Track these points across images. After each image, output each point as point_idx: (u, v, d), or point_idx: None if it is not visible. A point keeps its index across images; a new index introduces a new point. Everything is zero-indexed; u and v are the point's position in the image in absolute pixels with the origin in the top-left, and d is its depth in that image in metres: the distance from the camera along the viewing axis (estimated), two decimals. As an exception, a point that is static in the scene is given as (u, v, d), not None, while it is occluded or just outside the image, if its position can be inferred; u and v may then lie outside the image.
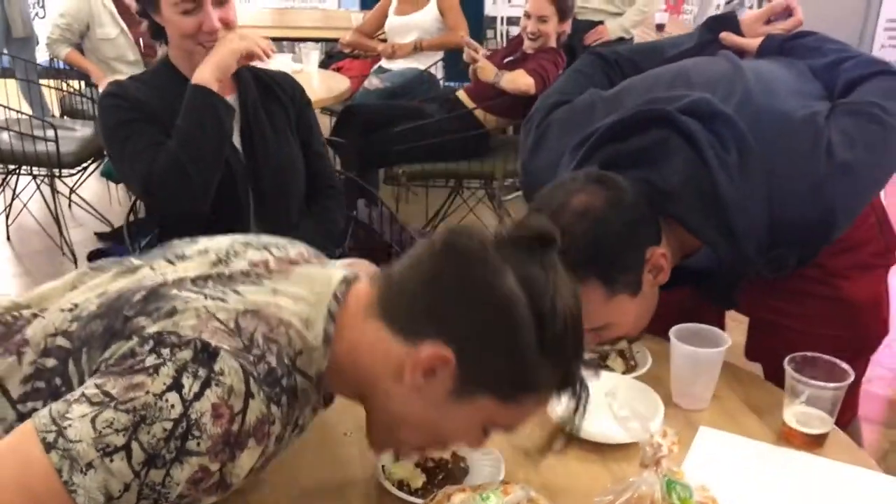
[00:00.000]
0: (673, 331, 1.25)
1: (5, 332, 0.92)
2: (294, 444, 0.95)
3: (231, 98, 1.77)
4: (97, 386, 0.78)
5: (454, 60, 4.28)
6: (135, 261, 1.00)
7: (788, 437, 1.17)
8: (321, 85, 3.48)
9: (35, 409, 0.82)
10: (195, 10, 1.67)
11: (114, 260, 1.02)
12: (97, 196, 4.24)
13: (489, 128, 3.41)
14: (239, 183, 1.78)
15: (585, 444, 1.14)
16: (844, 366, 1.16)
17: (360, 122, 3.39)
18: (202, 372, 0.77)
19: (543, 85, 3.19)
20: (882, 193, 1.46)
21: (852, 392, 1.57)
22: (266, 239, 1.02)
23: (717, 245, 1.24)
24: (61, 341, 0.87)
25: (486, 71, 3.33)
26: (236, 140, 1.78)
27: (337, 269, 0.96)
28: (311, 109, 1.96)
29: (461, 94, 3.54)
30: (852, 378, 1.14)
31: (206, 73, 1.68)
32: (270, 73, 1.90)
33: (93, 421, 0.75)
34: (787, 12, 1.54)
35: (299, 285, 0.91)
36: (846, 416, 1.56)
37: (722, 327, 1.65)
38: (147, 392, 0.76)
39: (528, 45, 3.45)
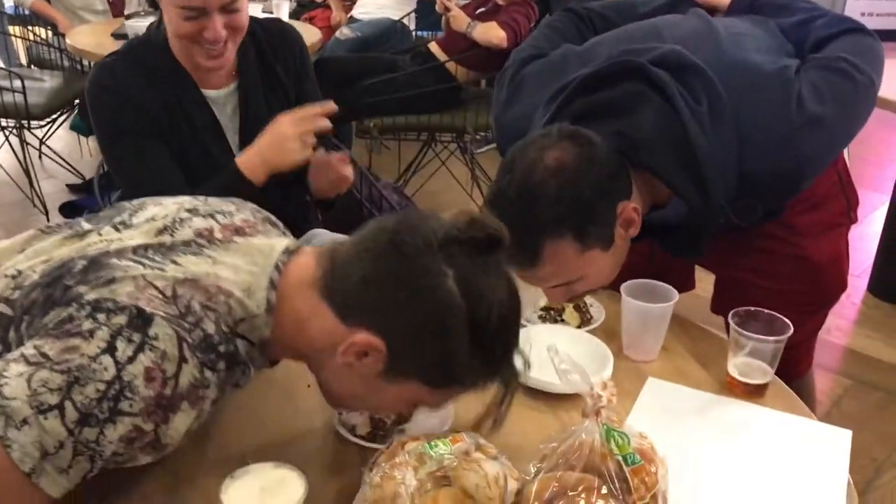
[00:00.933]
0: (624, 287, 1.29)
1: None
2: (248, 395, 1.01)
3: (231, 87, 1.64)
4: (35, 347, 0.81)
5: (427, 11, 4.25)
6: (85, 224, 1.02)
7: (731, 388, 1.23)
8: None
9: None
10: (198, 17, 1.48)
11: (67, 222, 1.04)
12: (68, 148, 4.21)
13: (461, 81, 3.41)
14: None
15: (536, 393, 1.20)
16: (785, 320, 1.21)
17: (332, 75, 3.37)
18: (136, 337, 0.80)
19: (515, 38, 3.19)
20: (845, 153, 1.50)
21: (808, 345, 1.63)
22: (214, 203, 1.05)
23: (687, 194, 1.26)
24: (3, 308, 0.89)
25: (459, 20, 3.32)
26: (234, 139, 1.66)
27: (279, 239, 1.00)
28: (311, 75, 1.79)
29: (433, 47, 3.53)
30: (791, 331, 1.20)
31: (260, 172, 1.54)
32: (273, 47, 1.69)
33: (28, 380, 0.78)
34: None
35: (241, 255, 0.95)
36: (801, 366, 1.63)
37: (692, 281, 1.71)
38: (82, 354, 0.79)
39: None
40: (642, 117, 1.26)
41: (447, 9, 3.36)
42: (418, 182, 3.80)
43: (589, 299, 1.43)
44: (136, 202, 1.06)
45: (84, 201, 3.64)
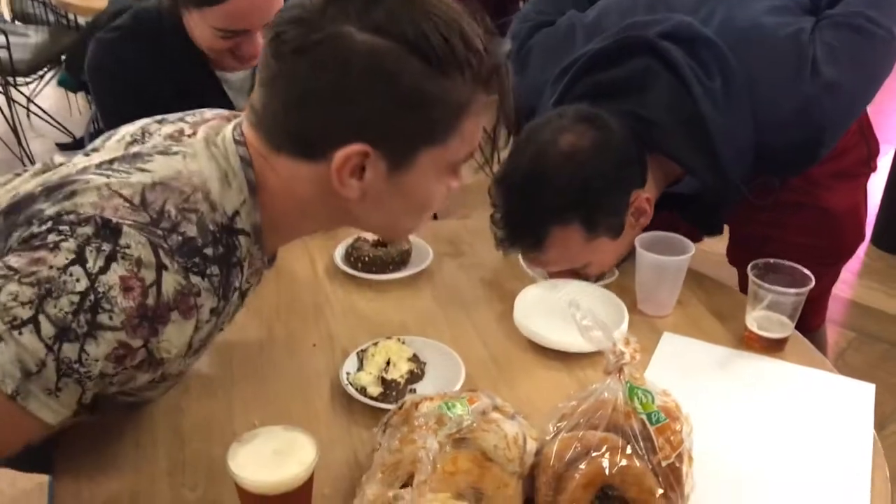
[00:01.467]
0: (638, 239, 1.25)
1: None
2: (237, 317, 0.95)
3: (249, 70, 1.51)
4: (2, 262, 0.75)
5: None
6: (58, 158, 0.95)
7: (749, 342, 1.20)
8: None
9: None
10: (236, 36, 1.36)
11: (44, 161, 0.97)
12: (56, 105, 4.12)
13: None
14: None
15: (550, 353, 1.16)
16: (806, 271, 1.17)
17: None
18: (106, 246, 0.74)
19: None
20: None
21: (823, 299, 1.60)
22: (188, 112, 0.97)
23: (702, 174, 1.23)
24: None
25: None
26: None
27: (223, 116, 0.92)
28: None
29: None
30: (813, 283, 1.16)
31: None
32: None
33: None
34: None
35: (205, 144, 0.87)
36: (816, 321, 1.60)
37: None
38: (50, 266, 0.73)
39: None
40: (653, 96, 1.22)
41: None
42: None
43: None
44: (111, 131, 0.98)
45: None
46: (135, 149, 0.88)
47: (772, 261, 1.19)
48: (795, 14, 1.29)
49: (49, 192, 0.80)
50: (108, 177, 0.81)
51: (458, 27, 0.80)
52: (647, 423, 0.85)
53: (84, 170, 0.83)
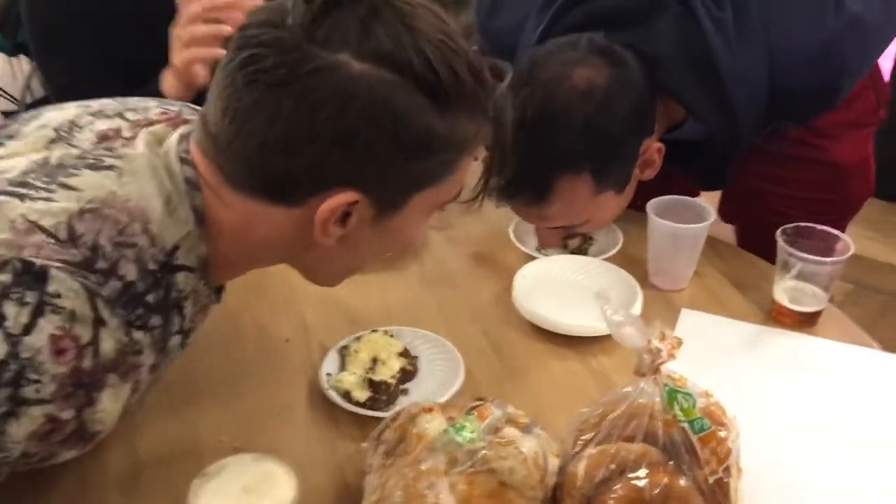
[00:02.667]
0: (650, 205, 1.11)
1: None
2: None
3: None
4: None
5: None
6: None
7: (779, 316, 1.07)
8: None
9: None
10: None
11: None
12: (-3, 71, 3.87)
13: None
14: None
15: (558, 338, 1.02)
16: (844, 237, 1.04)
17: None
18: (30, 297, 0.58)
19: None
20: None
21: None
22: (131, 101, 0.80)
23: (711, 119, 1.11)
24: None
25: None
26: None
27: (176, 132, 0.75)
28: None
29: None
30: (852, 250, 1.03)
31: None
32: None
33: None
34: None
35: (147, 156, 0.70)
36: None
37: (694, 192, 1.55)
38: None
39: None
40: (658, 29, 1.09)
41: None
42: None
43: None
44: (34, 111, 0.80)
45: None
46: (57, 152, 0.70)
47: (802, 225, 1.06)
48: None
49: None
50: (22, 199, 0.64)
51: (464, 54, 0.68)
52: (689, 432, 0.72)
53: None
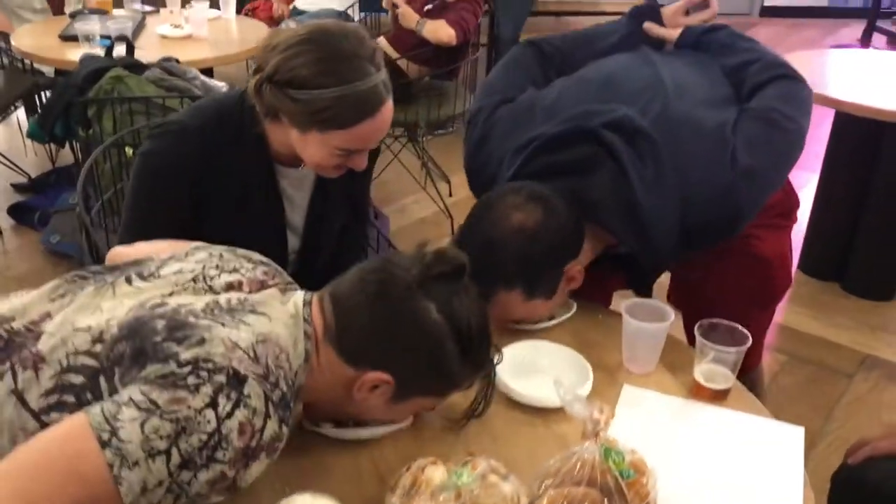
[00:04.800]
0: (624, 306, 1.42)
1: (4, 346, 1.02)
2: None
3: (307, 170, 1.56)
4: (143, 394, 0.90)
5: (371, 4, 4.30)
6: (107, 277, 1.11)
7: (698, 392, 1.38)
8: (240, 35, 3.46)
9: (60, 420, 0.93)
10: (349, 153, 1.42)
11: (80, 274, 1.13)
12: (9, 146, 4.14)
13: (412, 76, 3.49)
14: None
15: (530, 409, 1.32)
16: (744, 330, 1.36)
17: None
18: (234, 395, 0.91)
19: (464, 35, 3.29)
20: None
21: (758, 340, 1.80)
22: (228, 259, 1.15)
23: (634, 247, 1.43)
24: (86, 360, 0.98)
25: (408, 18, 3.39)
26: (299, 219, 1.62)
27: (297, 292, 1.14)
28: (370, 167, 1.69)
29: (382, 42, 3.59)
30: (750, 342, 1.34)
31: None
32: None
33: (142, 426, 0.88)
34: (704, 3, 1.70)
35: (279, 310, 1.07)
36: (753, 360, 1.80)
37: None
38: (189, 406, 0.89)
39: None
40: (596, 179, 1.42)
41: (395, 6, 3.42)
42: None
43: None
44: (159, 259, 1.15)
45: (34, 201, 3.61)
46: (219, 299, 1.05)
47: (714, 321, 1.37)
48: (722, 107, 1.50)
49: (170, 329, 0.96)
50: (222, 325, 0.97)
51: (488, 333, 1.14)
52: (619, 478, 1.02)
53: (192, 312, 1.00)
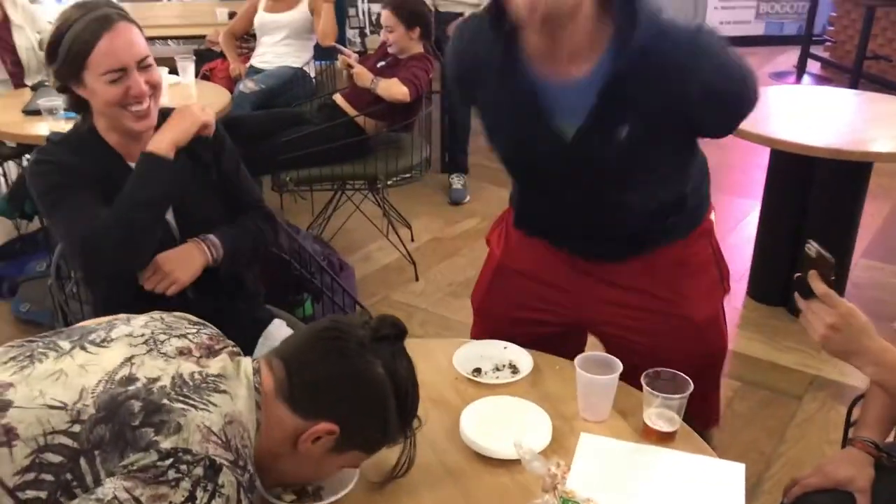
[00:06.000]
0: (577, 360, 1.54)
1: None
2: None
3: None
4: (126, 490, 0.98)
5: (325, 53, 4.44)
6: (62, 343, 1.17)
7: (647, 435, 1.50)
8: (201, 99, 3.57)
9: (38, 498, 0.99)
10: (121, 78, 1.71)
11: (32, 340, 1.19)
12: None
13: (369, 132, 3.62)
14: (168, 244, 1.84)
15: (494, 461, 1.44)
16: (685, 377, 1.49)
17: (244, 133, 3.51)
18: (210, 486, 1.01)
19: (417, 92, 3.43)
20: (716, 229, 1.80)
21: (712, 402, 1.90)
22: (172, 324, 1.25)
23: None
24: (65, 440, 1.03)
25: (363, 77, 3.53)
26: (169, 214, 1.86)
27: (244, 360, 1.24)
28: (230, 148, 1.96)
29: (339, 100, 3.72)
30: (692, 388, 1.48)
31: (165, 143, 1.75)
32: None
33: None
34: None
35: (238, 385, 1.17)
36: (711, 420, 1.89)
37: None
38: (169, 502, 0.98)
39: (392, 52, 3.67)
40: None
41: (350, 66, 3.56)
42: (334, 225, 3.99)
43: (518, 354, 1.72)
44: (101, 322, 1.25)
45: (1, 270, 3.65)
46: (184, 374, 1.13)
47: (659, 370, 1.51)
48: None
49: (146, 412, 1.04)
50: (195, 409, 1.06)
51: (418, 396, 1.27)
52: (577, 526, 1.14)
53: (163, 391, 1.08)
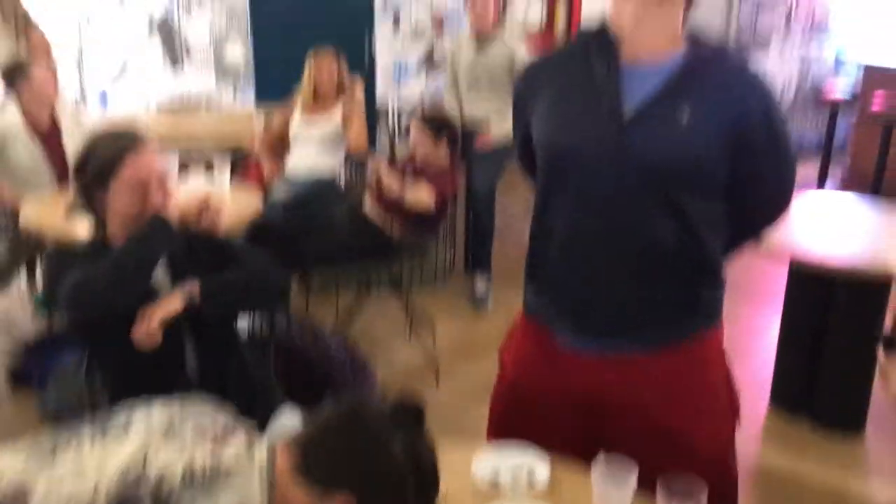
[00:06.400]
0: (595, 467, 1.55)
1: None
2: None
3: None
4: None
5: (355, 161, 4.61)
6: (83, 434, 1.25)
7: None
8: (234, 202, 3.71)
9: None
10: (143, 191, 1.95)
11: (59, 432, 1.26)
12: (8, 308, 4.28)
13: (395, 236, 3.73)
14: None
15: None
16: (701, 481, 1.50)
17: (273, 238, 3.63)
18: None
19: (443, 201, 3.55)
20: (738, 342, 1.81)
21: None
22: (191, 410, 1.31)
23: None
24: None
25: (391, 185, 3.66)
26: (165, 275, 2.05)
27: (258, 445, 1.27)
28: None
29: (368, 205, 3.84)
30: (706, 491, 1.48)
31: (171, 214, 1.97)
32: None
33: None
34: None
35: (244, 472, 1.21)
36: None
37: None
38: None
39: (420, 161, 3.82)
40: None
41: (379, 173, 3.70)
42: (358, 326, 4.05)
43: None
44: (124, 409, 1.31)
45: (32, 364, 3.72)
46: (195, 465, 1.19)
47: (674, 475, 1.52)
48: None
49: None
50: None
51: (439, 478, 1.29)
52: None
53: (171, 487, 1.15)
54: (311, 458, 1.22)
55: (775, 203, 1.71)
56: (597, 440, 1.79)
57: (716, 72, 1.56)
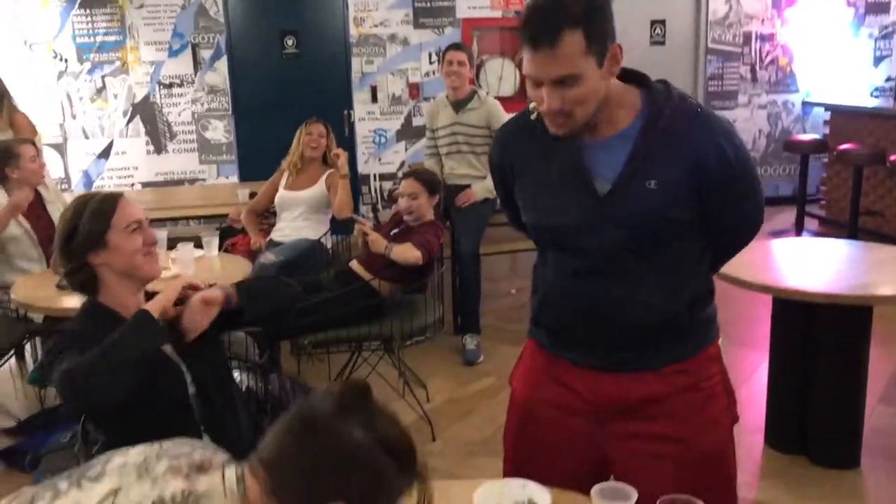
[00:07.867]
0: (594, 490, 1.57)
1: None
2: None
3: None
4: None
5: (341, 227, 4.68)
6: (60, 484, 1.27)
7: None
8: (224, 270, 3.75)
9: None
10: (139, 228, 2.05)
11: (41, 485, 1.29)
12: (-1, 390, 4.27)
13: (384, 294, 3.77)
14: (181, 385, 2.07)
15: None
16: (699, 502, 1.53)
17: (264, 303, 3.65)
18: None
19: (429, 256, 3.61)
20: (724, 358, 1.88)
21: None
22: (170, 448, 1.31)
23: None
24: None
25: (377, 244, 3.72)
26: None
27: (228, 472, 1.28)
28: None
29: (355, 266, 3.89)
30: (705, 509, 1.51)
31: (154, 307, 1.95)
32: None
33: None
34: None
35: (217, 500, 1.22)
36: None
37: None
38: None
39: (407, 219, 3.89)
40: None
41: (365, 233, 3.76)
42: (350, 388, 4.04)
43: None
44: (102, 457, 1.32)
45: (23, 444, 3.68)
46: (165, 496, 1.21)
47: (673, 496, 1.54)
48: None
49: None
50: None
51: (412, 442, 1.26)
52: None
53: None
54: (278, 477, 1.20)
55: (751, 221, 1.83)
56: (601, 446, 1.82)
57: (673, 126, 1.66)
